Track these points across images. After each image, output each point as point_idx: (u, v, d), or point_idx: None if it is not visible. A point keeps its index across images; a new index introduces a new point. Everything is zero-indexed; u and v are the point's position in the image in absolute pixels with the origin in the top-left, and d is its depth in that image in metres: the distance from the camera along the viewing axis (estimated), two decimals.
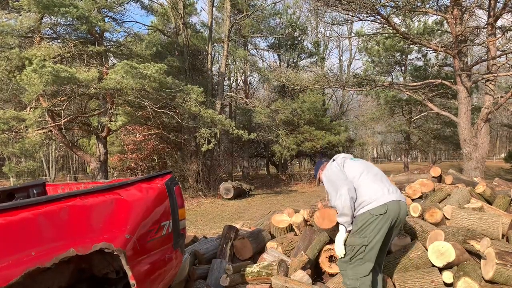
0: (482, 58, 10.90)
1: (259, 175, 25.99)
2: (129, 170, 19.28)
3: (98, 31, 11.88)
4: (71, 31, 11.97)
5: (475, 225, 3.58)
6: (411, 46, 18.76)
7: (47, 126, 11.38)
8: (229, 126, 12.73)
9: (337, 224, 3.68)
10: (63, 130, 11.96)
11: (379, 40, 18.98)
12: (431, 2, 11.23)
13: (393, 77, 21.40)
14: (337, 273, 3.29)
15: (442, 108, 12.49)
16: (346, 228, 2.59)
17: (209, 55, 16.56)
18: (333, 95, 28.09)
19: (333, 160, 2.85)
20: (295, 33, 22.37)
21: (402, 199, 2.57)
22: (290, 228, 4.36)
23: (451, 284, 3.02)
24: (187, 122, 13.21)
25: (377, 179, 2.63)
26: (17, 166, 13.36)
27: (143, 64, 10.22)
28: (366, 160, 3.11)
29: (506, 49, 10.22)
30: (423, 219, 3.81)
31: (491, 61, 10.05)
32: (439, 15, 11.31)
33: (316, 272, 3.50)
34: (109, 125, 11.83)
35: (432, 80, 11.66)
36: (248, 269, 3.25)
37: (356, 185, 2.59)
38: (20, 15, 10.42)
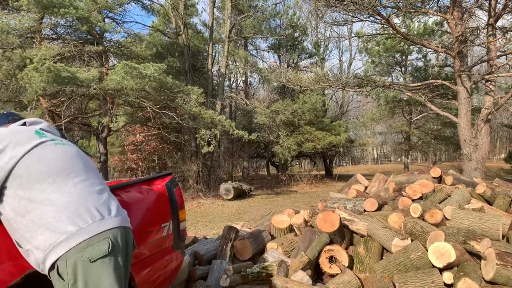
0: (483, 59, 10.90)
1: (259, 175, 25.98)
2: (129, 171, 19.29)
3: (98, 32, 11.90)
4: (71, 32, 11.99)
5: (475, 225, 3.57)
6: (411, 46, 18.78)
7: None
8: (229, 126, 12.73)
9: (339, 227, 3.69)
10: (63, 131, 11.97)
11: (379, 41, 19.00)
12: (431, 2, 11.25)
13: (393, 77, 21.42)
14: (337, 274, 3.29)
15: (442, 108, 12.49)
16: None
17: (209, 55, 16.56)
18: (333, 95, 28.10)
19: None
20: (296, 34, 22.38)
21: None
22: (290, 229, 4.36)
23: (451, 285, 3.01)
24: (187, 122, 13.21)
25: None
26: None
27: (143, 64, 10.23)
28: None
29: (506, 49, 10.22)
30: (423, 219, 3.81)
31: (491, 61, 10.06)
32: (439, 15, 11.32)
33: (316, 273, 3.50)
34: (110, 126, 11.84)
35: (433, 81, 11.66)
36: (248, 270, 3.25)
37: None
38: (21, 15, 10.42)
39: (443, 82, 11.26)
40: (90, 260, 1.25)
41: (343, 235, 3.83)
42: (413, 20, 15.27)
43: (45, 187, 1.32)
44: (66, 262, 1.26)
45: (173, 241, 2.41)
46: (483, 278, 3.06)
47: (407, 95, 13.11)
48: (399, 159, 40.66)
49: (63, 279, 1.26)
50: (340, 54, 42.63)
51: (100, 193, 1.45)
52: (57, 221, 1.29)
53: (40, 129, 1.53)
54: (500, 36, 10.20)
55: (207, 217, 9.68)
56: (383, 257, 3.64)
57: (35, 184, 1.31)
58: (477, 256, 3.31)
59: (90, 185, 1.43)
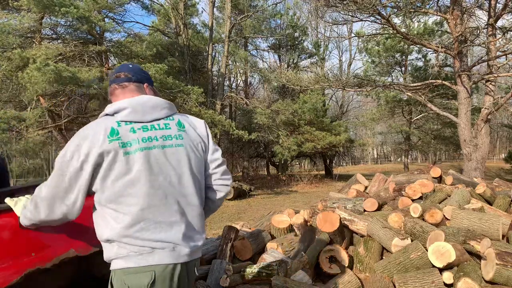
0: (482, 59, 10.91)
1: (259, 175, 25.97)
2: None
3: (99, 31, 11.90)
4: (72, 31, 12.00)
5: (475, 225, 3.57)
6: (411, 46, 18.78)
7: (47, 126, 11.39)
8: (229, 126, 12.74)
9: (339, 227, 3.69)
10: (63, 131, 11.97)
11: (379, 41, 19.00)
12: (431, 2, 11.25)
13: (393, 77, 21.44)
14: (337, 274, 3.29)
15: (442, 108, 12.50)
16: None
17: (209, 55, 16.57)
18: (333, 95, 28.09)
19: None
20: (296, 34, 22.39)
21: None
22: (290, 229, 4.36)
23: (451, 285, 3.02)
24: None
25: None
26: (24, 165, 13.38)
27: (143, 65, 10.24)
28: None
29: (506, 49, 10.22)
30: (423, 219, 3.81)
31: (491, 61, 10.06)
32: (439, 15, 11.32)
33: (316, 273, 3.50)
34: None
35: (432, 81, 11.67)
36: (248, 270, 3.25)
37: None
38: (21, 15, 10.43)
39: (443, 82, 11.27)
40: (128, 286, 1.29)
41: (343, 235, 3.83)
42: (413, 20, 15.27)
43: None
44: (114, 276, 1.34)
45: None
46: (483, 278, 3.06)
47: (407, 95, 13.12)
48: (399, 159, 40.66)
49: (112, 286, 1.35)
50: (340, 54, 42.66)
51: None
52: None
53: None
54: (500, 36, 10.20)
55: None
56: (383, 257, 3.65)
57: None
58: (477, 256, 3.31)
59: None
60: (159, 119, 1.42)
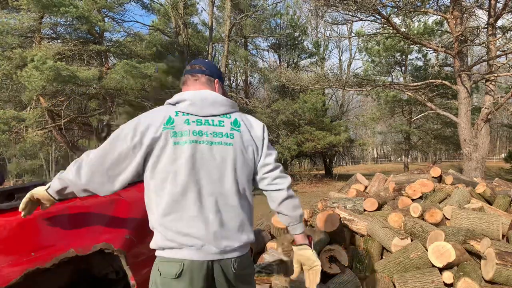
0: (483, 58, 10.90)
1: None
2: None
3: (98, 31, 11.90)
4: (71, 31, 12.01)
5: (475, 225, 3.57)
6: (411, 46, 18.78)
7: (47, 126, 11.39)
8: None
9: (339, 227, 3.68)
10: (63, 131, 11.97)
11: (379, 40, 19.00)
12: (431, 2, 11.25)
13: (393, 77, 21.44)
14: (337, 274, 3.29)
15: (442, 108, 12.49)
16: None
17: (209, 55, 16.56)
18: (333, 95, 28.08)
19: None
20: (296, 33, 22.38)
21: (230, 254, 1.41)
22: None
23: (451, 285, 3.01)
24: None
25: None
26: (22, 165, 13.38)
27: (143, 64, 10.24)
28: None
29: (506, 49, 10.21)
30: (423, 219, 3.81)
31: (491, 61, 10.05)
32: (439, 15, 11.32)
33: None
34: (110, 125, 11.84)
35: (432, 80, 11.66)
36: None
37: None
38: (20, 15, 10.42)
39: (443, 81, 11.26)
40: (160, 273, 1.37)
41: (343, 235, 3.83)
42: (413, 19, 15.25)
43: None
44: (155, 261, 1.43)
45: None
46: (483, 277, 3.06)
47: (407, 94, 13.12)
48: (399, 159, 40.67)
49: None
50: (340, 54, 42.64)
51: None
52: None
53: None
54: (500, 35, 10.19)
55: None
56: (383, 257, 3.64)
57: None
58: (477, 256, 3.31)
59: None
60: (215, 115, 1.45)
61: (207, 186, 1.38)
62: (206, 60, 1.62)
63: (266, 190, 1.54)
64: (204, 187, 1.38)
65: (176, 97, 1.46)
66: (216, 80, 1.56)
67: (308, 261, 1.58)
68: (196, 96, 1.45)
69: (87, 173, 1.39)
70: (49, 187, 1.48)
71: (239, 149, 1.44)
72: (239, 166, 1.43)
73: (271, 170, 1.52)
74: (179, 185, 1.35)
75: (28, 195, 1.50)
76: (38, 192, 1.50)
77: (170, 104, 1.45)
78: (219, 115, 1.46)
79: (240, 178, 1.44)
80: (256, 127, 1.54)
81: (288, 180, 1.55)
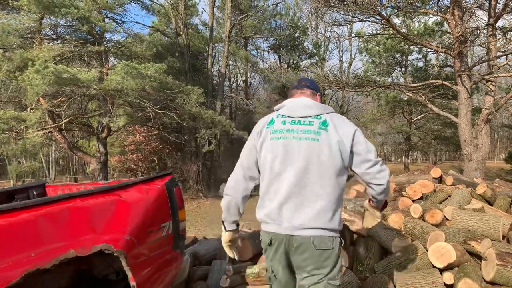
0: (483, 59, 10.89)
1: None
2: (129, 171, 19.27)
3: (99, 32, 11.89)
4: (71, 32, 12.00)
5: (475, 226, 3.57)
6: (412, 46, 18.76)
7: (47, 126, 11.38)
8: (229, 127, 12.74)
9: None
10: (63, 131, 11.96)
11: (380, 41, 18.98)
12: (431, 2, 11.24)
13: (394, 77, 21.40)
14: None
15: (442, 109, 12.48)
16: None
17: (209, 55, 16.56)
18: (334, 95, 28.08)
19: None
20: (296, 34, 22.39)
21: (302, 232, 1.67)
22: None
23: (451, 285, 3.01)
24: (188, 123, 13.21)
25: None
26: (20, 166, 13.38)
27: (143, 65, 10.23)
28: None
29: (506, 49, 10.20)
30: (423, 220, 3.80)
31: (492, 62, 10.04)
32: (439, 15, 11.32)
33: None
34: (110, 125, 11.84)
35: (433, 81, 11.65)
36: (248, 270, 3.24)
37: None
38: (21, 15, 10.42)
39: (443, 82, 11.25)
40: (261, 240, 1.82)
41: (343, 235, 3.82)
42: (413, 20, 15.25)
43: None
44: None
45: (173, 241, 2.41)
46: (483, 278, 3.06)
47: (407, 95, 13.11)
48: (399, 160, 40.61)
49: None
50: (340, 54, 42.44)
51: None
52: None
53: None
54: (500, 36, 10.18)
55: (207, 218, 9.67)
56: (383, 258, 3.64)
57: None
58: (478, 257, 3.30)
59: None
60: (306, 117, 1.76)
61: (292, 176, 1.68)
62: (310, 78, 2.18)
63: (369, 183, 1.79)
64: (290, 177, 1.69)
65: (280, 104, 1.87)
66: (318, 94, 1.94)
67: (375, 213, 2.04)
68: (293, 102, 1.84)
69: (234, 173, 1.92)
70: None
71: (325, 145, 1.69)
72: (324, 159, 1.68)
73: (373, 165, 1.74)
74: (272, 172, 1.72)
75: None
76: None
77: (276, 110, 1.88)
78: (310, 116, 1.76)
79: (327, 171, 1.69)
80: (345, 127, 1.76)
81: (387, 173, 1.79)
